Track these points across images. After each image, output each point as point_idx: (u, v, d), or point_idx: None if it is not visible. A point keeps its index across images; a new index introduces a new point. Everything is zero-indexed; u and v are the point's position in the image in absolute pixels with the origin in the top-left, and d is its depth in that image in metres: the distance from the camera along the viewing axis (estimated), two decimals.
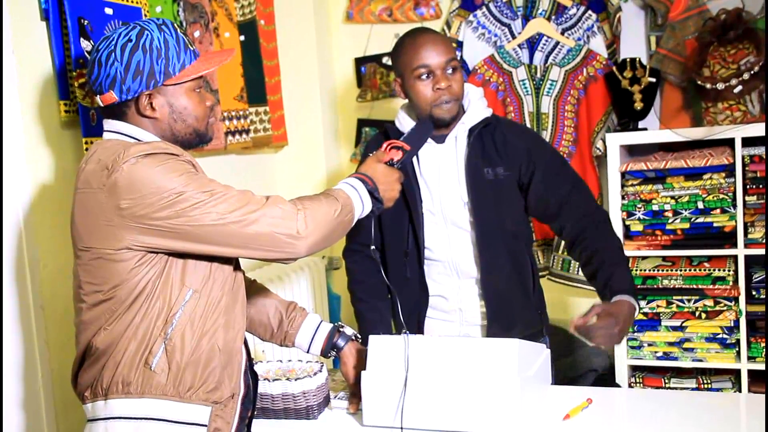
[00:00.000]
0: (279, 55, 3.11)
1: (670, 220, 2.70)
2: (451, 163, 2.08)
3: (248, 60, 2.85)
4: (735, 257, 2.64)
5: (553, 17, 3.00)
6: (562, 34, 2.98)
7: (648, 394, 2.21)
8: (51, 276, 1.96)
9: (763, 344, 2.62)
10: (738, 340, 2.65)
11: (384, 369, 1.74)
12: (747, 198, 2.61)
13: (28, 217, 1.91)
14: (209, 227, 1.42)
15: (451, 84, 2.01)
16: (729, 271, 2.64)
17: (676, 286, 2.70)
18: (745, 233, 2.61)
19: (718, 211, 2.64)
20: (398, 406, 1.71)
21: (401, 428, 1.70)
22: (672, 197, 2.69)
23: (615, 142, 2.76)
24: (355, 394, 1.86)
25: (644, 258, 2.78)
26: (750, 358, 2.64)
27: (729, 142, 2.63)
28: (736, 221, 2.61)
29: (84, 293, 1.50)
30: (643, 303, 2.72)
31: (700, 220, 2.66)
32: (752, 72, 2.58)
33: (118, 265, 1.46)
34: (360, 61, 3.33)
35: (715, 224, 2.65)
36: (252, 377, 1.69)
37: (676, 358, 2.73)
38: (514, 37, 3.05)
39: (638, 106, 2.83)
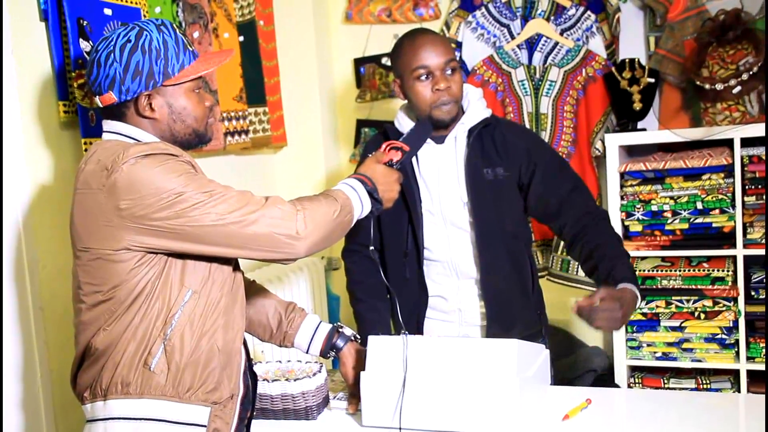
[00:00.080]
0: (278, 56, 3.11)
1: (669, 221, 2.70)
2: (451, 164, 2.08)
3: (247, 60, 2.85)
4: (734, 258, 2.64)
5: (552, 18, 3.00)
6: (561, 34, 2.98)
7: (647, 394, 2.21)
8: (50, 276, 1.96)
9: (762, 344, 2.62)
10: (737, 341, 2.65)
11: (383, 369, 1.74)
12: (746, 198, 2.61)
13: (28, 218, 1.91)
14: (209, 228, 1.42)
15: (450, 85, 2.01)
16: (728, 271, 2.64)
17: (675, 287, 2.70)
18: (744, 233, 2.61)
19: (717, 211, 2.64)
20: (397, 406, 1.71)
21: (400, 428, 1.70)
22: (671, 198, 2.69)
23: (614, 142, 2.76)
24: (354, 395, 1.86)
25: (643, 258, 2.78)
26: (749, 359, 2.64)
27: (728, 143, 2.63)
28: (735, 222, 2.61)
29: (83, 294, 1.50)
30: (642, 303, 2.72)
31: (699, 220, 2.66)
32: (751, 72, 2.58)
33: (117, 266, 1.46)
34: (359, 62, 3.32)
35: (714, 225, 2.65)
36: (251, 378, 1.68)
37: (675, 359, 2.73)
38: (513, 37, 3.05)
39: (637, 106, 2.83)
